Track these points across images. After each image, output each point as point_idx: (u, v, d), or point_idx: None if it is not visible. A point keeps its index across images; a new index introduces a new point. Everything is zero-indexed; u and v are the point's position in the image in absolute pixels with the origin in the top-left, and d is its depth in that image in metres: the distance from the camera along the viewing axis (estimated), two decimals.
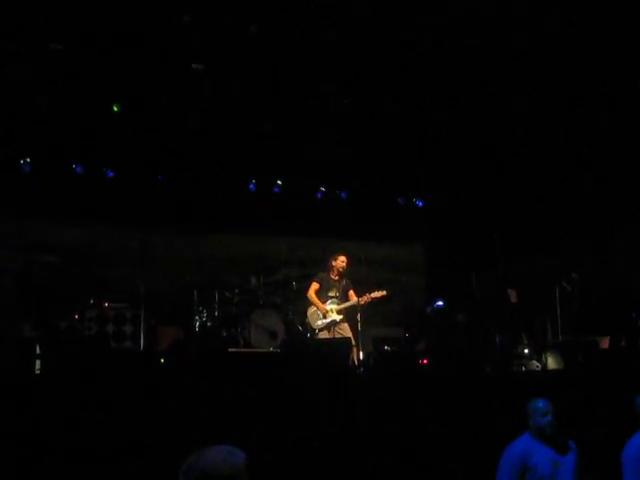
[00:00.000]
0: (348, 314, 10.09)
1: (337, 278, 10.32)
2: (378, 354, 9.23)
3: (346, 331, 9.96)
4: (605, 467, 6.04)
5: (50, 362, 7.20)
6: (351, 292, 10.27)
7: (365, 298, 9.94)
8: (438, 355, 8.66)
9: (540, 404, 5.49)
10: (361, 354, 9.40)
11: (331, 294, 10.25)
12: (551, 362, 8.98)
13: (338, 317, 10.06)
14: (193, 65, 10.41)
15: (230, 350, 8.99)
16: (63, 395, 6.37)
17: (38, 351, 7.51)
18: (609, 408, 7.41)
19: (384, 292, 10.09)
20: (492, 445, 5.72)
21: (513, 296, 11.01)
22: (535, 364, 9.13)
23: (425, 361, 8.45)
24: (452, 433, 7.08)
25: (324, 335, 10.00)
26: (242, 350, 9.79)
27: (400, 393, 7.35)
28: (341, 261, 10.32)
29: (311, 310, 10.26)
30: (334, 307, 10.13)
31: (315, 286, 10.30)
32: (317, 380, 7.18)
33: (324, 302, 10.18)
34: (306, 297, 10.35)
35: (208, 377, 6.97)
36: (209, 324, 10.47)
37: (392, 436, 6.90)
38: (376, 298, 9.99)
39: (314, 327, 10.13)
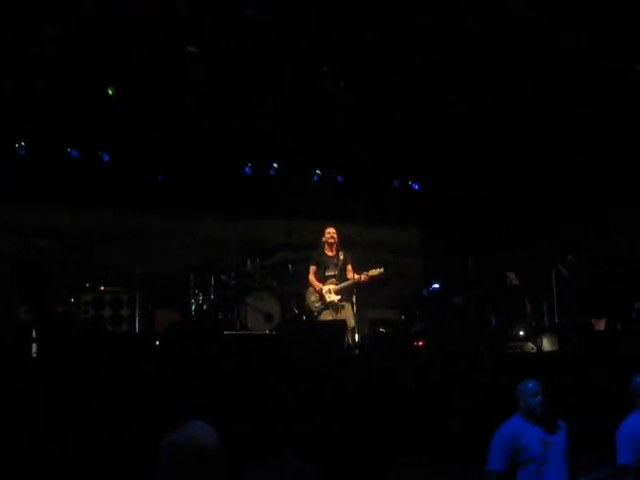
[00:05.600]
0: (348, 293, 9.85)
1: (332, 253, 10.00)
2: (373, 336, 9.23)
3: (347, 313, 9.72)
4: (600, 447, 6.08)
5: (46, 345, 7.21)
6: (349, 267, 9.99)
7: (363, 276, 9.74)
8: (434, 337, 8.67)
9: (530, 385, 5.52)
10: (356, 336, 9.37)
11: (329, 273, 9.96)
12: (546, 344, 9.00)
13: (336, 297, 9.78)
14: (188, 47, 10.37)
15: (226, 333, 9.00)
16: (59, 378, 6.39)
17: (34, 335, 7.53)
18: (603, 389, 7.44)
19: (381, 269, 9.90)
20: (485, 426, 5.75)
21: (513, 278, 11.02)
22: (530, 346, 9.16)
23: (420, 343, 8.46)
24: (446, 414, 7.12)
25: (326, 316, 9.75)
26: (238, 332, 9.83)
27: (395, 375, 7.38)
28: (327, 233, 10.05)
29: (309, 291, 10.06)
30: (332, 287, 9.86)
31: (313, 269, 10.07)
32: (312, 362, 7.20)
33: (323, 283, 9.92)
34: (308, 282, 10.12)
35: (204, 359, 7.00)
36: (205, 307, 10.52)
37: (386, 418, 6.93)
38: (374, 276, 9.82)
39: (313, 309, 9.94)
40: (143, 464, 5.47)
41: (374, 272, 9.85)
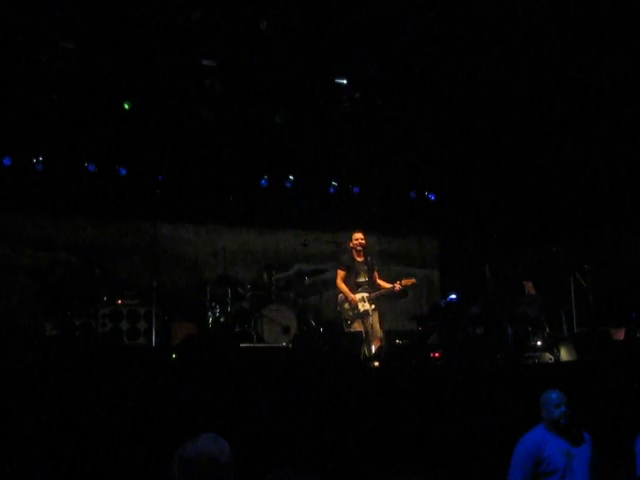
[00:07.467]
0: (379, 302, 9.88)
1: (362, 259, 9.93)
2: (390, 347, 9.18)
3: (376, 323, 9.65)
4: (619, 457, 6.02)
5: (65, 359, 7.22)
6: (376, 274, 9.99)
7: (397, 285, 9.78)
8: (450, 348, 8.61)
9: (553, 395, 5.48)
10: (373, 347, 9.33)
11: (360, 279, 9.88)
12: (564, 354, 8.92)
13: (371, 307, 9.68)
14: (204, 61, 10.43)
15: (242, 345, 8.99)
16: (77, 391, 6.40)
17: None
18: (622, 399, 7.38)
19: (414, 279, 9.97)
20: (506, 437, 5.71)
21: (529, 288, 10.96)
22: (548, 356, 9.08)
23: (437, 354, 8.41)
24: (465, 426, 7.07)
25: (356, 326, 9.64)
26: (254, 345, 9.81)
27: (412, 386, 7.34)
28: (355, 239, 10.00)
29: (341, 298, 9.93)
30: (365, 295, 9.77)
31: (341, 274, 9.94)
32: (329, 374, 7.19)
33: (354, 290, 9.82)
34: (336, 287, 10.01)
35: (220, 373, 7.00)
36: (222, 320, 10.51)
37: (403, 429, 6.89)
38: (407, 285, 9.85)
39: (346, 318, 9.81)
40: (157, 476, 5.49)
41: (407, 282, 9.88)
